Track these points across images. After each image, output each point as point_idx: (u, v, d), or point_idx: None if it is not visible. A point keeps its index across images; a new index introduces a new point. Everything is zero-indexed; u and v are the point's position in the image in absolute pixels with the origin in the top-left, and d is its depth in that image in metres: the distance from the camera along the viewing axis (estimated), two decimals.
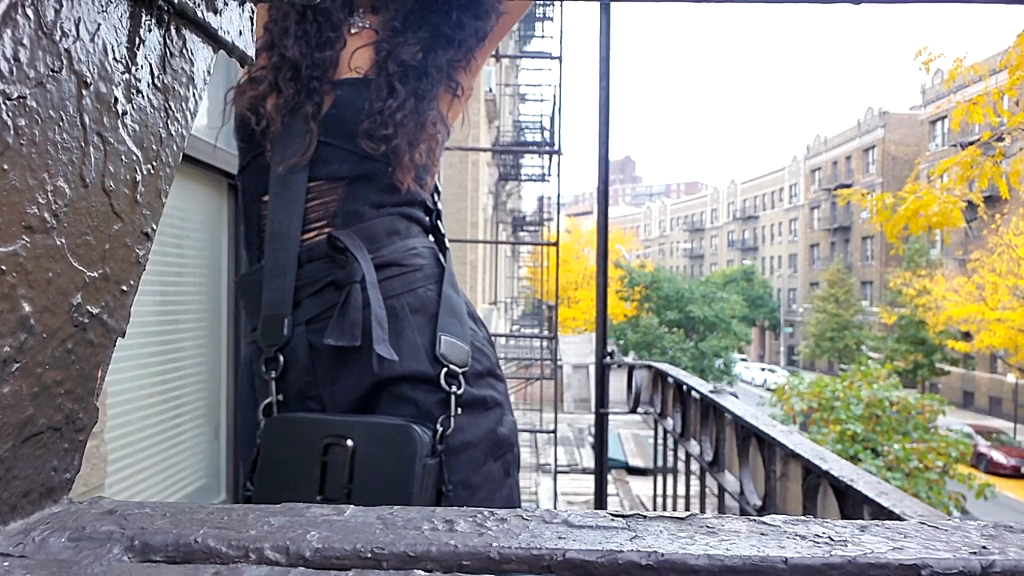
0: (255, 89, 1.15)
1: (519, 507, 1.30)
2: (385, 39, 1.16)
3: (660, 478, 3.10)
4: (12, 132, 0.33)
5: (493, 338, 1.26)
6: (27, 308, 0.36)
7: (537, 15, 13.01)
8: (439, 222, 1.24)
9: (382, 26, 1.18)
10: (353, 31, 1.19)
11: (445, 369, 1.08)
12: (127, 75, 0.41)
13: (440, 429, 1.05)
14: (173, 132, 0.47)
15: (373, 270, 1.07)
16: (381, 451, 1.01)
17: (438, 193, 1.26)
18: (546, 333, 11.84)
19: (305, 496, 1.00)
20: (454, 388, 1.07)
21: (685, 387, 2.56)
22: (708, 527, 0.38)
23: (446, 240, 1.24)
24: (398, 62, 1.13)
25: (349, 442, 1.01)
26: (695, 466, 2.46)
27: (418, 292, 1.12)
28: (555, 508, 0.47)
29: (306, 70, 1.13)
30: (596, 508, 2.32)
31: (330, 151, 1.11)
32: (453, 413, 1.06)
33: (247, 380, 1.18)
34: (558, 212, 5.55)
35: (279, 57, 1.14)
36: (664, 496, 2.96)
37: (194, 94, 0.49)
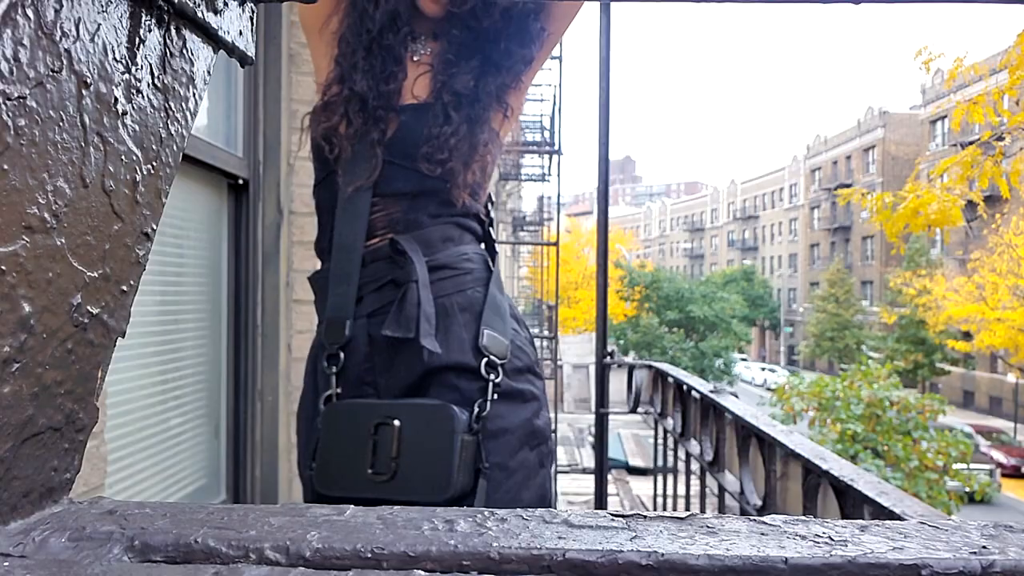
0: (329, 119, 1.28)
1: (552, 499, 1.39)
2: (440, 70, 1.29)
3: (660, 478, 3.10)
4: (12, 132, 0.33)
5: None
6: (27, 308, 0.36)
7: None
8: (490, 230, 1.37)
9: (438, 56, 1.30)
10: (415, 58, 1.32)
11: (485, 359, 1.21)
12: (127, 75, 0.41)
13: (477, 410, 1.17)
14: (173, 132, 0.47)
15: (426, 271, 1.21)
16: (424, 428, 1.14)
17: (491, 202, 1.39)
18: (546, 333, 11.84)
19: (358, 470, 1.15)
20: (492, 376, 1.20)
21: (685, 387, 2.56)
22: (708, 527, 0.38)
23: (496, 246, 1.38)
24: (452, 92, 1.27)
25: (396, 422, 1.14)
26: (695, 466, 2.46)
27: (467, 293, 1.25)
28: (555, 508, 0.47)
29: (373, 101, 1.26)
30: (596, 508, 2.33)
31: (395, 170, 1.26)
32: (491, 398, 1.19)
33: (311, 370, 1.32)
34: (558, 212, 5.54)
35: (349, 91, 1.27)
36: (664, 496, 2.96)
37: (194, 94, 0.49)
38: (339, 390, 1.23)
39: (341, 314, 1.24)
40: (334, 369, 1.23)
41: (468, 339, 1.22)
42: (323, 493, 1.17)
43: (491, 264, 1.32)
